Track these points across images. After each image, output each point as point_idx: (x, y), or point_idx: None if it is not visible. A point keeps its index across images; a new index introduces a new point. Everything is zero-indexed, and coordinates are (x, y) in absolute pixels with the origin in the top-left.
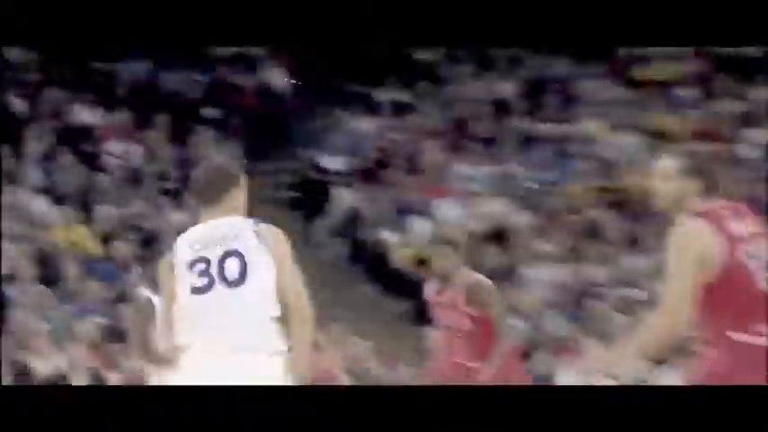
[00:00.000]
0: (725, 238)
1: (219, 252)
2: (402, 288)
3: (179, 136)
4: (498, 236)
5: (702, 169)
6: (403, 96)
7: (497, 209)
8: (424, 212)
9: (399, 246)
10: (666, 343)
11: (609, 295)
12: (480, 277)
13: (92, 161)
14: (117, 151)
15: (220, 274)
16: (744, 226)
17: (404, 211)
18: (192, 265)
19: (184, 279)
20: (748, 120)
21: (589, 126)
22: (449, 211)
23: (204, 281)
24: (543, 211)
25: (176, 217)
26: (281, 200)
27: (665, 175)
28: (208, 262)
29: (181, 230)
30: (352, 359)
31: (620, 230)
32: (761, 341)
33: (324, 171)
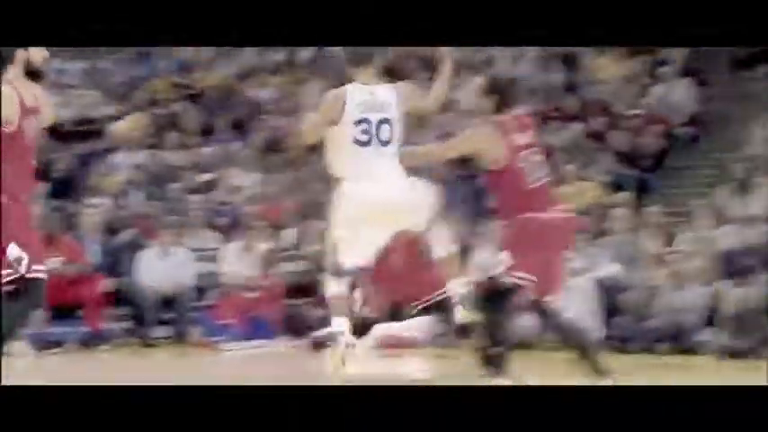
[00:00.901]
0: (506, 145)
1: (377, 118)
2: None
3: None
4: (88, 123)
5: (497, 88)
6: None
7: (88, 100)
8: None
9: None
10: (434, 158)
11: (184, 177)
12: None
13: None
14: None
15: (377, 134)
16: (524, 137)
17: None
18: (358, 123)
19: (350, 129)
20: None
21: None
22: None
23: (366, 137)
24: (129, 103)
25: None
26: None
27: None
28: (369, 123)
29: None
30: None
31: (196, 121)
32: (543, 217)
33: None
